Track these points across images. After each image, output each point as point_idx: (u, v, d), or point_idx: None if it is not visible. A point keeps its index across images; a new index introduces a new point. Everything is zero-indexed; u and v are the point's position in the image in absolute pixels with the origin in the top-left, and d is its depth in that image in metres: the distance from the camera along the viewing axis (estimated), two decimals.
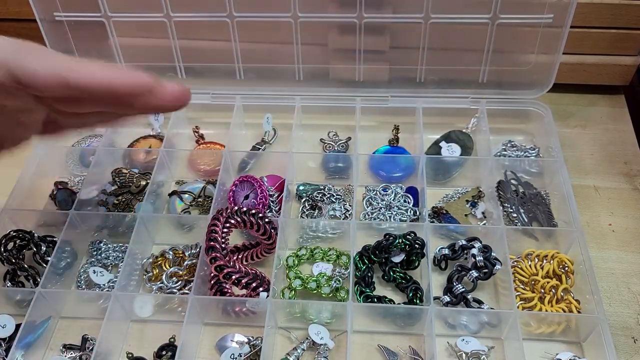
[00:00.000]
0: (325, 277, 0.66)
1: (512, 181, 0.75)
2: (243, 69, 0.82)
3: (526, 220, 0.71)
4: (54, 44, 0.79)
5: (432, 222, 0.71)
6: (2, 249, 0.68)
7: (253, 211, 0.65)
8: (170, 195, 0.76)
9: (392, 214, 0.72)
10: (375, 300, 0.64)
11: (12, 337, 0.61)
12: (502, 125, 0.81)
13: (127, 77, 0.38)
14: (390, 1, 0.74)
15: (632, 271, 0.68)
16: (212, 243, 0.62)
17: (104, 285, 0.67)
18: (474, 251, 0.66)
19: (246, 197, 0.74)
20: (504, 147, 0.79)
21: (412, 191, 0.75)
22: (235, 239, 0.71)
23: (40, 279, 0.64)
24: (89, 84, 0.37)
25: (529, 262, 0.67)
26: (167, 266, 0.69)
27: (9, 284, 0.67)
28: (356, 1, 0.73)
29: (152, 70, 0.40)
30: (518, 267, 0.67)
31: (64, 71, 0.37)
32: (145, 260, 0.70)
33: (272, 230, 0.66)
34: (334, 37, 0.78)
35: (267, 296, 0.62)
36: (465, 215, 0.73)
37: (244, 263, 0.68)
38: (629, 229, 0.72)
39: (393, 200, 0.73)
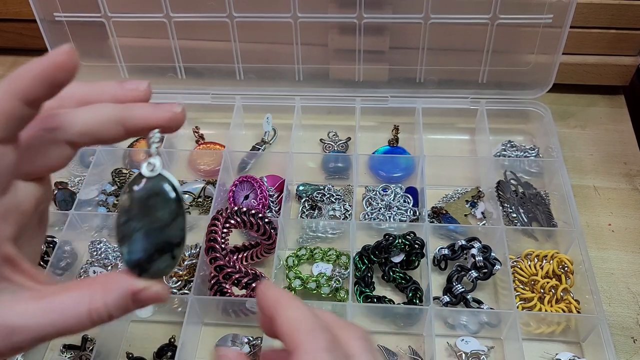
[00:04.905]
0: (325, 277, 0.66)
1: (512, 181, 0.75)
2: (243, 69, 0.82)
3: (526, 220, 0.71)
4: (54, 44, 0.79)
5: (432, 222, 0.71)
6: None
7: (253, 211, 0.65)
8: None
9: (391, 214, 0.72)
10: (375, 300, 0.64)
11: None
12: (502, 126, 0.81)
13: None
14: (390, 1, 0.74)
15: (632, 271, 0.68)
16: (211, 243, 0.62)
17: None
18: (474, 251, 0.66)
19: (246, 197, 0.74)
20: (503, 147, 0.79)
21: (412, 191, 0.75)
22: (235, 239, 0.71)
23: None
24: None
25: (529, 262, 0.67)
26: None
27: None
28: (356, 1, 0.73)
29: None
30: (518, 267, 0.67)
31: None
32: None
33: (272, 231, 0.66)
34: (333, 38, 0.78)
35: None
36: (465, 215, 0.73)
37: (244, 263, 0.68)
38: (628, 229, 0.72)
39: (393, 200, 0.73)
